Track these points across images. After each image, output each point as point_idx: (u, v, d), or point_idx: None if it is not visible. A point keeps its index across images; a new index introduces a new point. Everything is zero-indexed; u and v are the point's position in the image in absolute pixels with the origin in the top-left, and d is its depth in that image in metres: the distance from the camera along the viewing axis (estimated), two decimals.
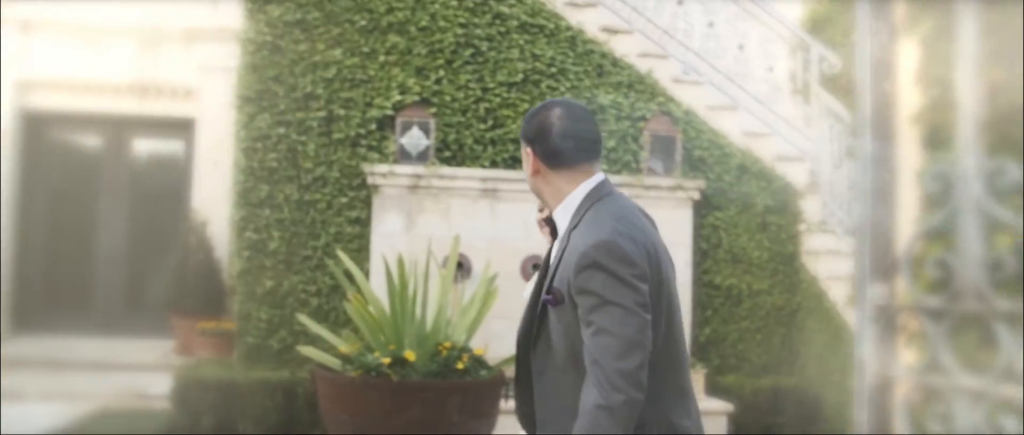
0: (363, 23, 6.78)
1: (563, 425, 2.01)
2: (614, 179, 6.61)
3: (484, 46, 6.89)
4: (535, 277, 2.33)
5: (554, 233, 2.21)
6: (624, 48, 7.18)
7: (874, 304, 1.56)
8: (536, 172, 2.17)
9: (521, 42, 6.93)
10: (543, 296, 2.11)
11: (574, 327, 2.01)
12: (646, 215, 2.20)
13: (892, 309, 1.56)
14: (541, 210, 2.75)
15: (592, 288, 1.94)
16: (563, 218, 2.15)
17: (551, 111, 2.16)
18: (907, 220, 1.57)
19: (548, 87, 6.91)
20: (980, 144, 1.41)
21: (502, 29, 6.94)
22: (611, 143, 6.89)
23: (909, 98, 1.58)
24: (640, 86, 7.04)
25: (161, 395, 6.80)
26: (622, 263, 1.93)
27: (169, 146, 10.26)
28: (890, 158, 1.61)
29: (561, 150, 2.12)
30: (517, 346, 2.23)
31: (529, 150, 2.17)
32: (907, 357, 1.55)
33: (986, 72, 1.41)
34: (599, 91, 6.97)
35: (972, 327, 1.41)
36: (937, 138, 1.52)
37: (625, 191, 6.71)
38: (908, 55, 1.60)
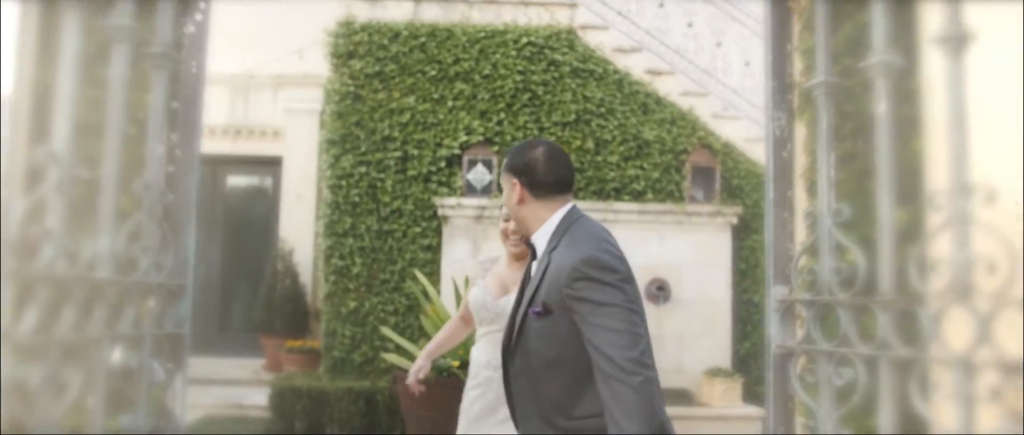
0: (433, 73, 7.75)
1: (538, 420, 2.29)
2: (659, 207, 7.44)
3: (540, 90, 7.78)
4: (512, 293, 2.89)
5: (533, 254, 2.48)
6: (667, 88, 8.00)
7: (776, 298, 2.37)
8: (521, 201, 2.44)
9: (573, 86, 7.81)
10: (528, 309, 2.35)
11: (564, 333, 2.25)
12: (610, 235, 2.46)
13: (788, 302, 2.36)
14: (507, 221, 3.29)
15: (586, 296, 2.18)
16: (542, 240, 2.42)
17: (536, 150, 2.45)
18: (799, 242, 2.38)
19: (598, 125, 7.76)
20: (832, 193, 2.22)
21: (556, 75, 7.83)
22: (656, 175, 7.70)
23: (799, 161, 2.40)
24: (682, 122, 7.83)
25: (256, 405, 7.80)
26: (606, 271, 2.19)
27: (259, 181, 11.32)
28: (790, 200, 2.42)
29: (544, 183, 2.42)
30: (502, 354, 2.50)
31: (516, 181, 2.44)
32: (799, 334, 2.35)
33: (835, 146, 2.23)
34: (644, 127, 7.79)
35: (830, 311, 2.21)
36: (813, 188, 2.33)
37: (669, 217, 7.55)
38: (799, 131, 2.41)
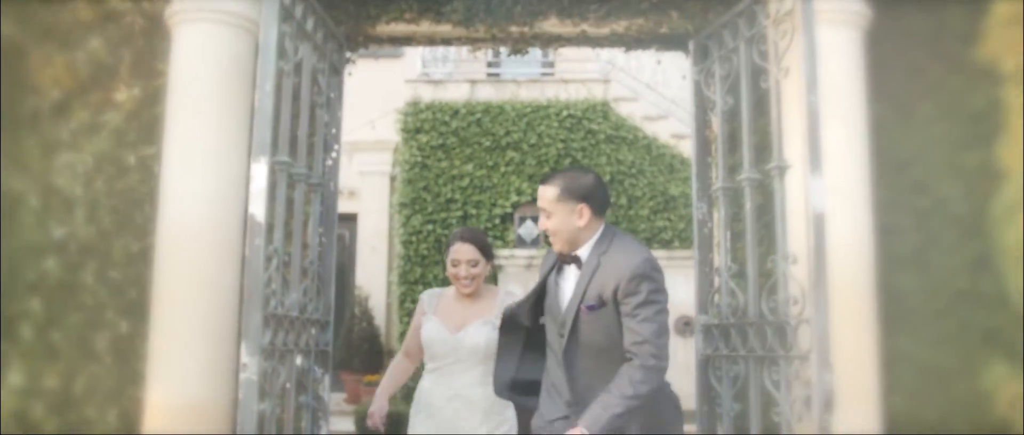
0: (487, 144, 9.29)
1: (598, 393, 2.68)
2: (684, 253, 8.79)
3: (579, 155, 9.24)
4: (468, 328, 3.44)
5: (577, 263, 2.86)
6: (690, 149, 9.37)
7: (701, 323, 3.77)
8: (587, 223, 2.81)
9: (607, 150, 9.26)
10: (584, 305, 2.75)
11: (612, 324, 2.71)
12: None
13: (708, 325, 3.75)
14: (474, 266, 3.59)
15: (641, 290, 2.66)
16: (586, 249, 2.82)
17: (590, 177, 2.87)
18: (715, 286, 3.77)
19: (630, 184, 9.18)
20: (727, 256, 3.61)
21: (592, 141, 9.30)
22: (681, 225, 9.07)
23: (715, 233, 3.80)
24: None
25: (343, 432, 9.28)
26: (658, 274, 2.71)
27: (338, 235, 12.93)
28: (710, 260, 3.83)
29: (605, 202, 2.87)
30: (509, 330, 3.02)
31: (585, 206, 2.80)
32: (718, 345, 3.73)
33: (730, 225, 3.64)
34: (670, 185, 9.18)
35: (727, 330, 3.58)
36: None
37: (693, 262, 8.88)
38: (715, 215, 3.82)
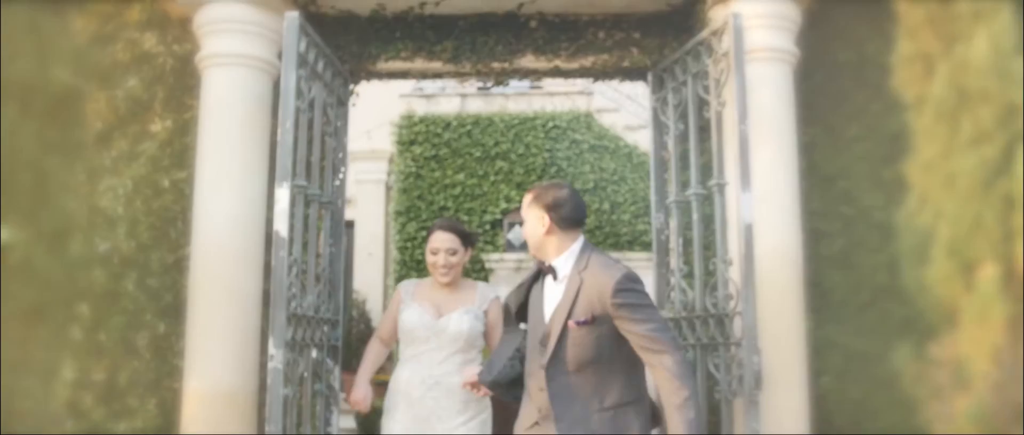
0: (478, 154, 9.93)
1: (578, 412, 2.78)
2: None
3: (564, 164, 9.88)
4: (450, 314, 3.55)
5: (547, 274, 2.96)
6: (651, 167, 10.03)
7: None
8: (548, 231, 2.91)
9: (591, 159, 9.90)
10: (572, 321, 2.80)
11: (601, 337, 2.77)
12: None
13: (665, 318, 4.39)
14: (453, 255, 3.74)
15: (633, 301, 2.76)
16: (565, 264, 2.90)
17: (563, 191, 2.94)
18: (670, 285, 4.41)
19: (612, 190, 9.81)
20: (680, 259, 4.25)
21: (577, 151, 9.94)
22: None
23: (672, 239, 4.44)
24: None
25: (346, 428, 9.88)
26: (640, 284, 2.82)
27: None
28: (667, 263, 4.47)
29: (569, 218, 2.91)
30: (531, 367, 2.98)
31: (546, 215, 2.90)
32: None
33: (682, 233, 4.28)
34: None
35: (680, 323, 4.22)
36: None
37: None
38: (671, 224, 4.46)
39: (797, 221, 4.13)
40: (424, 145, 10.03)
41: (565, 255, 2.93)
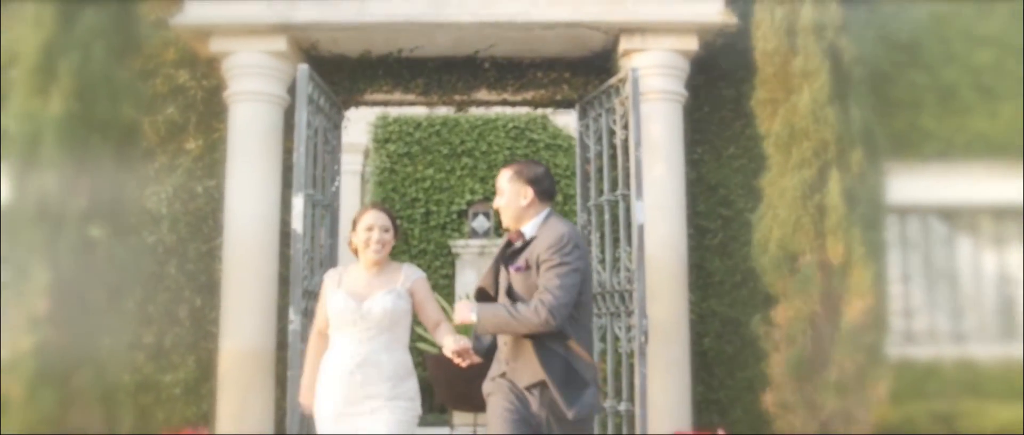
0: (446, 151, 11.33)
1: (529, 354, 3.24)
2: None
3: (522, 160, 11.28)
4: (373, 297, 3.63)
5: (522, 238, 3.35)
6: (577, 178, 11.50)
7: None
8: (530, 203, 3.35)
9: (547, 156, 11.33)
10: (512, 267, 3.30)
11: (536, 286, 3.20)
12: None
13: None
14: (386, 232, 3.85)
15: (555, 256, 3.18)
16: (532, 228, 3.34)
17: (540, 169, 3.43)
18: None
19: (565, 184, 11.24)
20: (597, 249, 5.71)
21: (533, 149, 11.37)
22: None
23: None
24: None
25: None
26: (575, 246, 3.20)
27: None
28: (588, 252, 5.93)
29: (549, 191, 3.39)
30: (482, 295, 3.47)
31: (530, 189, 3.34)
32: None
33: (600, 229, 5.74)
34: None
35: (598, 297, 5.68)
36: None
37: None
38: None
39: (682, 220, 5.60)
40: (397, 143, 11.41)
41: (533, 222, 3.38)
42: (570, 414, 3.21)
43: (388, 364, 3.67)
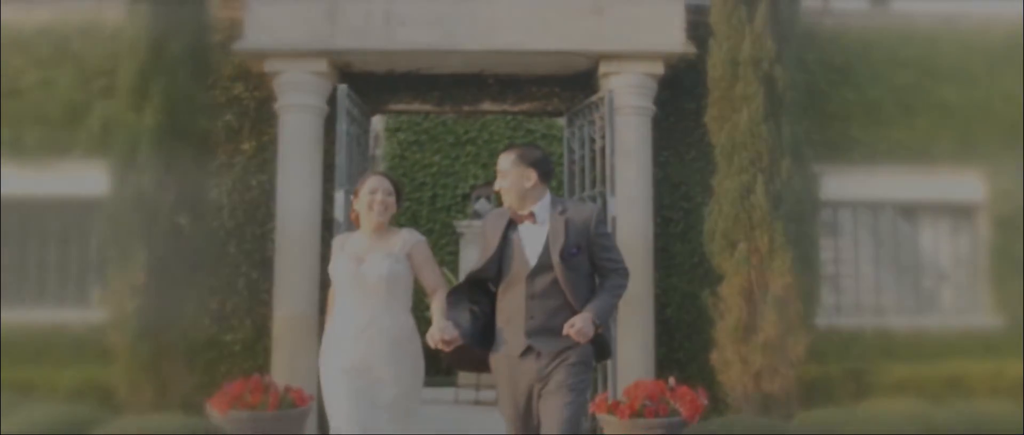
0: (452, 140, 12.74)
1: (560, 322, 3.47)
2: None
3: None
4: (367, 260, 3.83)
5: (533, 219, 3.60)
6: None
7: None
8: (534, 185, 3.61)
9: (543, 146, 12.71)
10: (567, 252, 3.52)
11: (584, 263, 3.59)
12: None
13: None
14: (388, 195, 3.95)
15: (605, 228, 3.69)
16: (544, 209, 3.60)
17: (540, 153, 3.71)
18: None
19: (558, 171, 12.64)
20: None
21: (531, 138, 12.76)
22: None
23: None
24: None
25: None
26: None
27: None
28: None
29: (550, 172, 3.68)
30: (478, 275, 3.72)
31: (533, 171, 3.60)
32: None
33: None
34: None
35: None
36: None
37: None
38: None
39: (650, 212, 7.02)
40: (407, 132, 12.82)
41: (542, 203, 3.65)
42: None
43: (391, 327, 3.85)
